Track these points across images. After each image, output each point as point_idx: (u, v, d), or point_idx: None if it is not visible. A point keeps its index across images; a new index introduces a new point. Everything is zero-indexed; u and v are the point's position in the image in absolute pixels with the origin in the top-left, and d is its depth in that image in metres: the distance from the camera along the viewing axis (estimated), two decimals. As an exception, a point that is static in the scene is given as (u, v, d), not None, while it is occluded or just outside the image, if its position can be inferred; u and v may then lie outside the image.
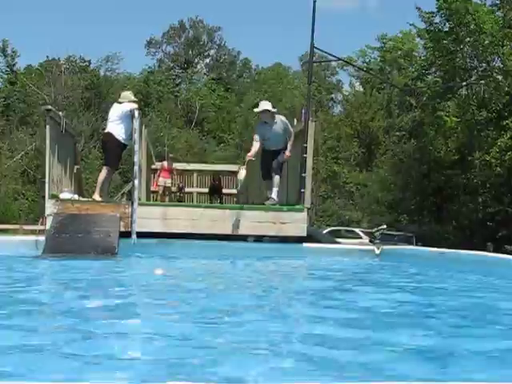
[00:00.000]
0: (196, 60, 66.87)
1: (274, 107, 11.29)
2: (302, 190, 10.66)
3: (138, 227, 9.64)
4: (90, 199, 11.12)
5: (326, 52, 13.50)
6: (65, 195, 10.55)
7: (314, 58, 14.67)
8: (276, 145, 11.04)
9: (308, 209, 10.61)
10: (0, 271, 7.01)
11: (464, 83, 32.69)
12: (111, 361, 2.95)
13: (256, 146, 10.94)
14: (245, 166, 10.74)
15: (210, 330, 3.69)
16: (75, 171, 12.79)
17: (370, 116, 53.12)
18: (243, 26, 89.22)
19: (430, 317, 4.37)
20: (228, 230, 10.19)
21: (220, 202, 17.74)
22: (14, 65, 54.61)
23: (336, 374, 2.82)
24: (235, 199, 18.22)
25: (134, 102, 11.44)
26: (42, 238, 9.36)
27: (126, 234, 9.52)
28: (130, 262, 8.57)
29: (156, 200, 17.81)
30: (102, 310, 4.53)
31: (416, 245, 27.58)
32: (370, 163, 51.13)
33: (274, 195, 10.84)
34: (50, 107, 11.07)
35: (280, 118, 11.17)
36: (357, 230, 34.27)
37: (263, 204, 10.87)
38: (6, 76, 54.08)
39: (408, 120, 43.13)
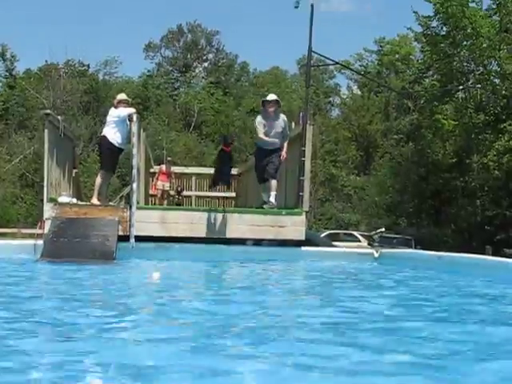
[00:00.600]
0: (194, 64, 66.83)
1: (280, 101, 11.24)
2: (301, 194, 10.67)
3: (136, 231, 9.64)
4: (88, 203, 11.13)
5: (323, 56, 13.54)
6: (63, 199, 10.55)
7: (312, 62, 14.69)
8: (273, 143, 10.77)
9: (306, 212, 10.62)
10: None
11: (461, 87, 32.76)
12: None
13: (259, 133, 10.70)
14: None
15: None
16: (73, 175, 12.80)
17: (367, 119, 53.19)
18: (241, 29, 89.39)
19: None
20: (227, 234, 10.22)
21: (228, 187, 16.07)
22: (12, 69, 54.57)
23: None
24: (234, 202, 18.27)
25: (127, 104, 11.45)
26: (40, 241, 9.35)
27: (124, 238, 9.52)
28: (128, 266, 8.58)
29: (154, 204, 17.82)
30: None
31: (415, 248, 27.60)
32: (368, 166, 51.19)
33: (272, 199, 10.79)
34: (48, 111, 11.09)
35: (283, 117, 11.03)
36: (355, 233, 34.29)
37: (262, 207, 10.86)
38: (4, 80, 54.04)
39: (406, 123, 43.22)
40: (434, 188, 34.86)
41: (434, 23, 32.67)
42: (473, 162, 32.06)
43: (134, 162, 10.12)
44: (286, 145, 10.88)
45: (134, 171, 10.10)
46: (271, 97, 11.10)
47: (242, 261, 9.13)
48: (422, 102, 36.15)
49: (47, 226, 9.69)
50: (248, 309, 4.71)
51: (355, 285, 7.09)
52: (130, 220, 9.75)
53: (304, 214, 10.52)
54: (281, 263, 9.36)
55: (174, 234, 10.04)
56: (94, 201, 11.03)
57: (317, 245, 11.06)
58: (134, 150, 10.21)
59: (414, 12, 32.73)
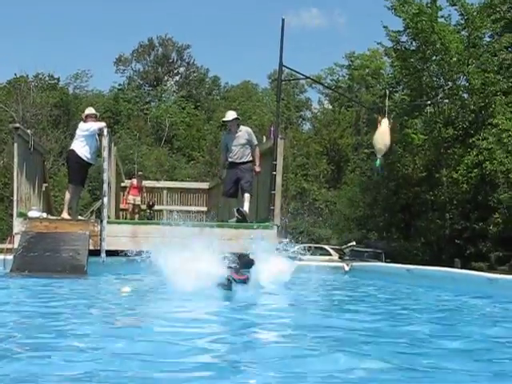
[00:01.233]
0: (165, 77, 66.89)
1: (238, 117, 11.40)
2: (272, 208, 10.72)
3: (107, 245, 9.61)
4: (58, 217, 11.08)
5: (294, 70, 13.64)
6: (33, 213, 10.48)
7: (283, 76, 14.84)
8: (240, 157, 11.02)
9: (277, 226, 10.65)
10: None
11: (430, 101, 33.12)
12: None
13: (222, 157, 11.06)
14: None
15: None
16: (44, 189, 12.71)
17: (338, 133, 53.56)
18: (212, 43, 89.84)
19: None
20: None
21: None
22: (-19, 82, 54.16)
23: None
24: (205, 216, 18.24)
25: (95, 118, 11.44)
26: (9, 256, 9.28)
27: (95, 253, 9.49)
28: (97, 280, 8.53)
29: (125, 218, 17.73)
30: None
31: (385, 261, 27.80)
32: (339, 180, 51.49)
33: (246, 208, 10.84)
34: (18, 125, 11.04)
35: (245, 129, 11.26)
36: (326, 246, 34.46)
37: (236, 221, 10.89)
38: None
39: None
40: (404, 202, 35.16)
41: (404, 38, 33.04)
42: (442, 175, 32.38)
43: (105, 176, 10.11)
44: (258, 158, 11.00)
45: (105, 185, 10.09)
46: (229, 115, 11.36)
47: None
48: (392, 116, 36.50)
49: (17, 240, 9.62)
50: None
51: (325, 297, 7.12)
52: (100, 234, 9.73)
53: (275, 227, 10.56)
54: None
55: (145, 248, 10.00)
56: (65, 215, 10.98)
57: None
58: (105, 165, 10.19)
59: (384, 27, 33.05)
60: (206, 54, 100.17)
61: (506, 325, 4.92)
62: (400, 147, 35.19)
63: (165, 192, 19.56)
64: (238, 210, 10.78)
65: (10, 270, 8.78)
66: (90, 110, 11.66)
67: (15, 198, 10.28)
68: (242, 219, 10.68)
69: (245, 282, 6.76)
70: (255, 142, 11.18)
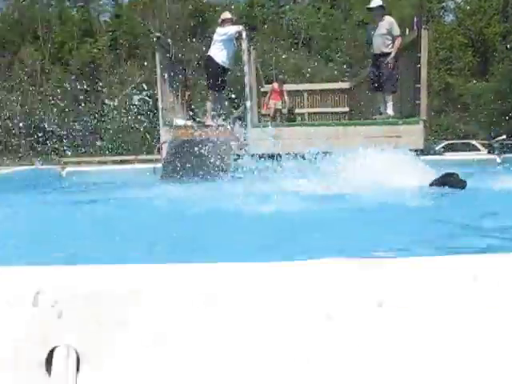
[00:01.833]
0: (299, -22, 65.41)
1: (383, 5, 11.06)
2: (417, 102, 10.31)
3: (251, 149, 9.64)
4: (202, 124, 11.19)
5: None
6: (178, 122, 10.67)
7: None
8: (378, 47, 10.74)
9: (424, 121, 10.27)
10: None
11: None
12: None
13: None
14: None
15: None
16: (186, 98, 12.88)
17: (484, 22, 50.63)
18: None
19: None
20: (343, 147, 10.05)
21: None
22: (118, -2, 55.36)
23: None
24: (347, 117, 17.95)
25: (232, 22, 11.28)
26: (158, 165, 9.56)
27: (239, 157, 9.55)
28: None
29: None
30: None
31: (538, 154, 26.48)
32: (485, 72, 49.05)
33: (389, 110, 10.57)
34: (159, 34, 11.16)
35: (387, 18, 10.92)
36: (474, 141, 33.17)
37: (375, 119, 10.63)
38: (111, 10, 54.92)
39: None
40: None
41: None
42: None
43: (246, 80, 10.05)
44: (396, 48, 10.63)
45: (247, 89, 10.04)
46: (373, 2, 11.03)
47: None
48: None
49: (164, 149, 9.86)
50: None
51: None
52: (244, 139, 9.76)
53: (422, 122, 10.17)
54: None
55: (289, 151, 9.96)
56: (208, 122, 11.08)
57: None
58: (246, 68, 10.12)
59: None
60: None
61: None
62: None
63: (305, 95, 19.36)
64: None
65: (160, 177, 9.05)
66: (226, 15, 11.51)
67: (160, 107, 10.47)
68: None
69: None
70: (397, 32, 10.75)
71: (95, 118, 32.74)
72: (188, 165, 9.14)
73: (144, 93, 11.86)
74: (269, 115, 18.27)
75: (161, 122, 10.43)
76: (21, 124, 37.65)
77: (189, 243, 3.62)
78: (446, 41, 50.36)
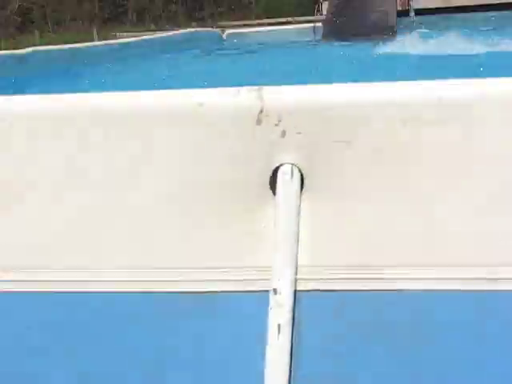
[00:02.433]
0: None
1: None
2: None
3: (415, 4, 9.23)
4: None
5: None
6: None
7: None
8: None
9: None
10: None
11: None
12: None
13: None
14: None
15: None
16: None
17: None
18: None
19: None
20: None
21: None
22: None
23: None
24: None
25: None
26: (319, 24, 9.33)
27: (403, 13, 9.18)
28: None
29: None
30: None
31: None
32: None
33: None
34: None
35: None
36: None
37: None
38: None
39: None
40: None
41: None
42: None
43: None
44: None
45: None
46: None
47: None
48: None
49: (325, 7, 9.62)
50: None
51: None
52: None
53: None
54: None
55: (454, 4, 9.48)
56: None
57: None
58: None
59: None
60: None
61: None
62: None
63: None
64: None
65: (321, 37, 8.87)
66: None
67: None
68: None
69: None
70: None
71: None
72: (349, 23, 8.88)
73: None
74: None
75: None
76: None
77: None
78: None
